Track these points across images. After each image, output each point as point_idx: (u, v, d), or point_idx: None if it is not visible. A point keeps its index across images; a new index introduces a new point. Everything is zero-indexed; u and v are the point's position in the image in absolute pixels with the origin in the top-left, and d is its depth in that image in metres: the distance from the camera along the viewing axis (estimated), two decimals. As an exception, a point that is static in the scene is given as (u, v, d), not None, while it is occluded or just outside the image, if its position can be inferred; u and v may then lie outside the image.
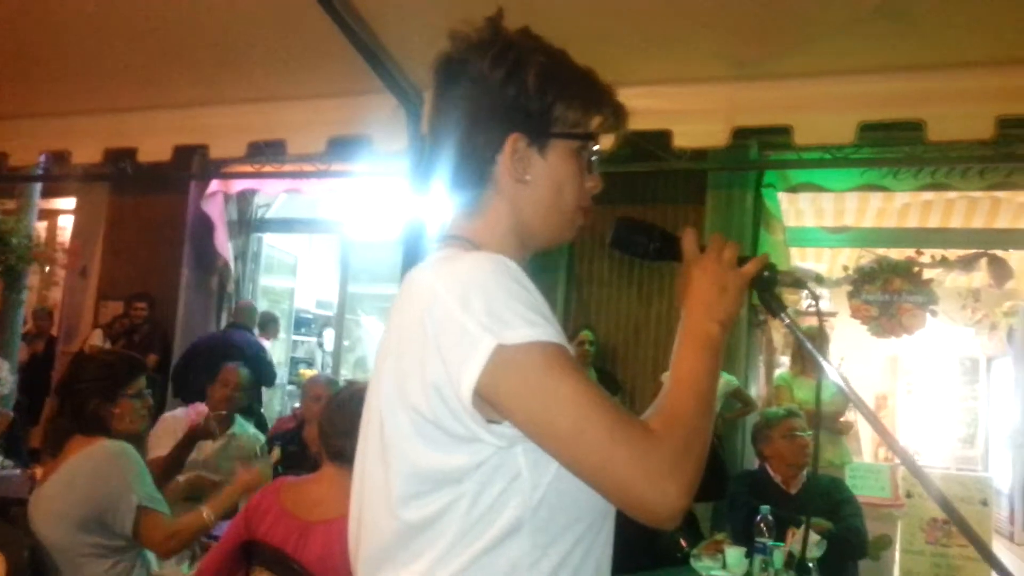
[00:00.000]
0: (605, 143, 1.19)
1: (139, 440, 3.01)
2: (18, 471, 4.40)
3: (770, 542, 2.97)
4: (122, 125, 3.97)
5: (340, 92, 3.64)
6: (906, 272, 5.87)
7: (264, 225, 7.86)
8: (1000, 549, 7.32)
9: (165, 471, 3.55)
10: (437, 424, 1.00)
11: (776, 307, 1.22)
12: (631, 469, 0.96)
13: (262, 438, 4.30)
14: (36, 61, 3.75)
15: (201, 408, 3.83)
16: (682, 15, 2.97)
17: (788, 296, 5.50)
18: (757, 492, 3.54)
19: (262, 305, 7.80)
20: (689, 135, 3.25)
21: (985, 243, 6.13)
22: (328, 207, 7.71)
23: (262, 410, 6.84)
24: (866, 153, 4.93)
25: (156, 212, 7.44)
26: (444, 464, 1.01)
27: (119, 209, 7.73)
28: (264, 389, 6.75)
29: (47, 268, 8.04)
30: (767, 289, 1.22)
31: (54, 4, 3.36)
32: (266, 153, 4.97)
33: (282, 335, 8.65)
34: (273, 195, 7.61)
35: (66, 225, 8.70)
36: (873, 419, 1.25)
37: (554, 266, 5.99)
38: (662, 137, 3.27)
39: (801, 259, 7.22)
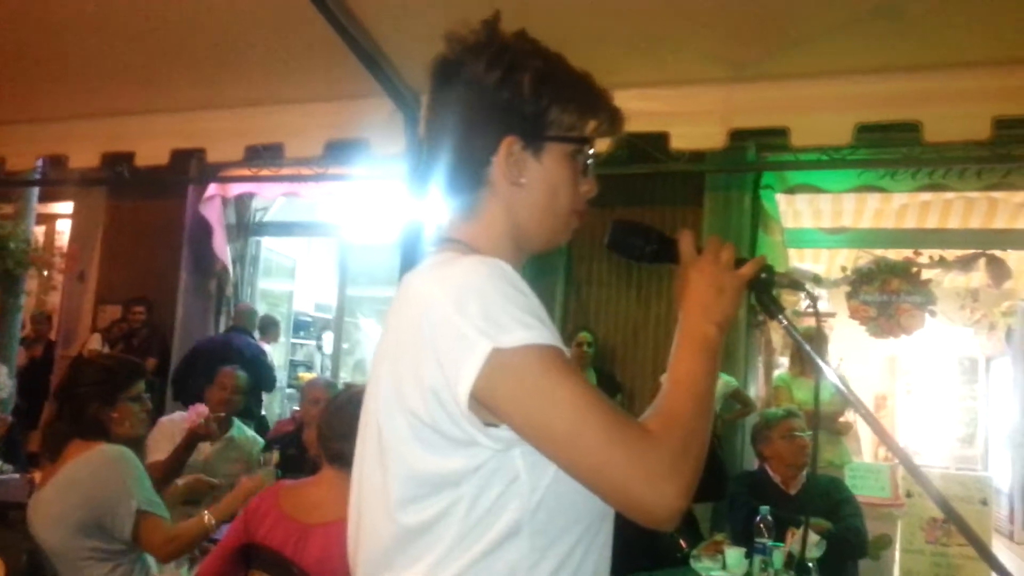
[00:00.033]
0: (601, 147, 1.19)
1: (138, 444, 3.01)
2: (17, 475, 4.39)
3: (770, 542, 2.97)
4: (119, 129, 3.97)
5: (337, 96, 3.64)
6: (904, 273, 5.87)
7: (262, 229, 7.86)
8: (1000, 548, 7.33)
9: (166, 473, 3.55)
10: (435, 428, 1.00)
11: (774, 309, 1.23)
12: (629, 471, 0.96)
13: (260, 441, 4.30)
14: (33, 66, 3.75)
15: (201, 409, 3.82)
16: (678, 16, 2.98)
17: (787, 297, 5.51)
18: (757, 493, 3.54)
19: (261, 309, 7.80)
20: (686, 137, 3.26)
21: (983, 243, 6.13)
22: (326, 210, 7.71)
23: (263, 413, 6.83)
24: (863, 154, 4.94)
25: (154, 216, 7.44)
26: (442, 468, 1.01)
27: (117, 213, 7.73)
28: (264, 385, 6.73)
29: (45, 272, 8.03)
30: (764, 291, 1.22)
31: (49, 8, 3.36)
32: (264, 157, 4.97)
33: (281, 338, 8.65)
34: (271, 199, 7.61)
35: (64, 229, 8.70)
36: (871, 420, 1.25)
37: (553, 268, 5.99)
38: (659, 139, 3.27)
39: (799, 260, 7.22)
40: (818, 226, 6.60)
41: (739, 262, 1.19)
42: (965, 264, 6.12)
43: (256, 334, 7.24)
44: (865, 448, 7.79)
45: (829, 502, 3.52)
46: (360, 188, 6.82)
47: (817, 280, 6.52)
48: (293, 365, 9.36)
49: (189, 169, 6.38)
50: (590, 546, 1.07)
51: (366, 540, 1.11)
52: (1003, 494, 8.03)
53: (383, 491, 1.06)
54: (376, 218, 6.90)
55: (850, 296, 6.01)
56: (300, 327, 9.63)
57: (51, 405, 6.39)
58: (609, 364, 5.96)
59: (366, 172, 5.53)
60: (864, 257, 6.13)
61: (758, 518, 3.02)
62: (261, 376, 6.50)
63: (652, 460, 0.96)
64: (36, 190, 7.25)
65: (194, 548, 2.73)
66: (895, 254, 6.09)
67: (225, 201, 7.36)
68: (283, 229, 8.03)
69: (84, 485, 2.45)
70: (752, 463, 4.38)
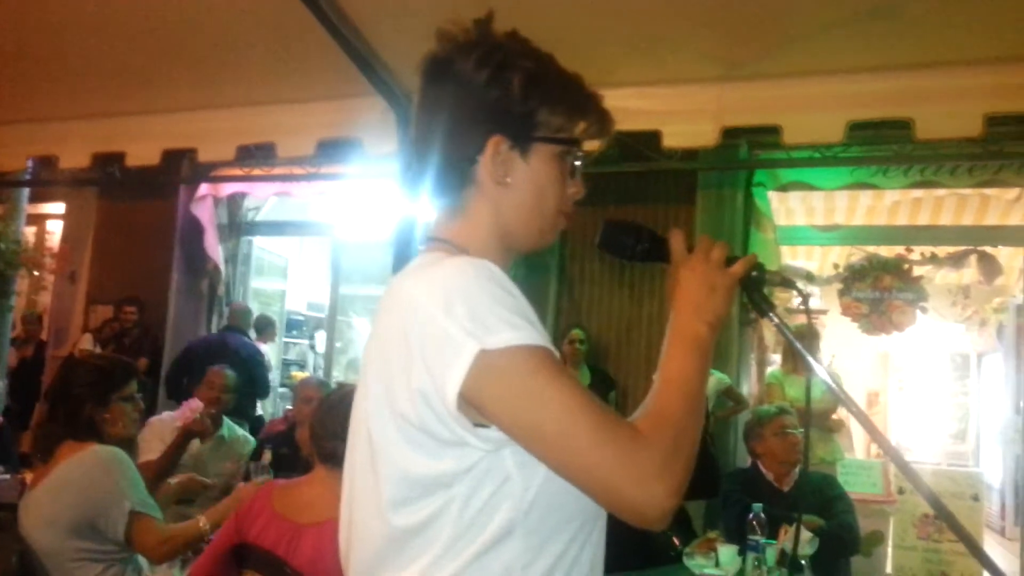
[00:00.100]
0: (591, 147, 1.19)
1: (130, 444, 3.00)
2: (8, 476, 4.37)
3: (763, 540, 2.97)
4: (110, 129, 3.96)
5: (329, 95, 3.63)
6: (896, 269, 5.89)
7: (254, 228, 7.85)
8: (991, 544, 7.36)
9: (159, 472, 3.55)
10: (424, 429, 1.00)
11: (764, 307, 1.23)
12: (618, 471, 0.96)
13: (251, 440, 4.29)
14: (21, 67, 3.73)
15: (195, 404, 3.81)
16: (670, 15, 2.98)
17: (779, 294, 5.52)
18: (749, 490, 3.55)
19: (253, 308, 7.77)
20: (678, 135, 3.26)
21: (974, 240, 6.15)
22: (318, 210, 7.70)
23: (259, 413, 6.79)
24: (855, 152, 4.95)
25: (145, 216, 7.41)
26: (432, 469, 1.01)
27: (108, 213, 7.71)
28: (256, 391, 6.69)
29: (36, 273, 7.99)
30: (755, 289, 1.22)
31: (39, 11, 3.35)
32: (256, 156, 4.95)
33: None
34: (263, 198, 7.59)
35: (55, 230, 8.67)
36: (862, 417, 1.26)
37: (546, 266, 5.99)
38: (652, 137, 3.28)
39: (792, 257, 7.24)
40: (810, 223, 6.62)
41: (730, 260, 1.19)
42: (957, 261, 6.14)
43: (252, 334, 7.23)
44: (857, 445, 7.81)
45: (822, 499, 3.53)
46: (352, 187, 6.81)
47: (809, 277, 6.54)
48: (286, 364, 9.35)
49: (180, 169, 6.36)
50: (584, 544, 1.07)
51: (358, 542, 1.11)
52: (994, 490, 8.07)
53: (375, 493, 1.06)
54: (368, 217, 6.89)
55: (842, 293, 6.02)
56: (293, 326, 9.62)
57: (42, 406, 6.36)
58: (603, 362, 5.96)
59: (358, 171, 5.53)
60: (856, 254, 6.15)
61: (751, 515, 3.02)
62: (256, 377, 6.49)
63: (642, 460, 0.96)
64: (26, 190, 7.22)
65: (187, 550, 2.73)
66: (887, 251, 6.10)
67: (217, 201, 7.33)
68: (275, 228, 8.01)
69: (77, 486, 2.44)
70: (745, 460, 4.39)
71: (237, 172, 6.25)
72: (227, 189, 7.24)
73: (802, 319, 5.70)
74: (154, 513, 2.52)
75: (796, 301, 5.83)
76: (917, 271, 5.95)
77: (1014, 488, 7.75)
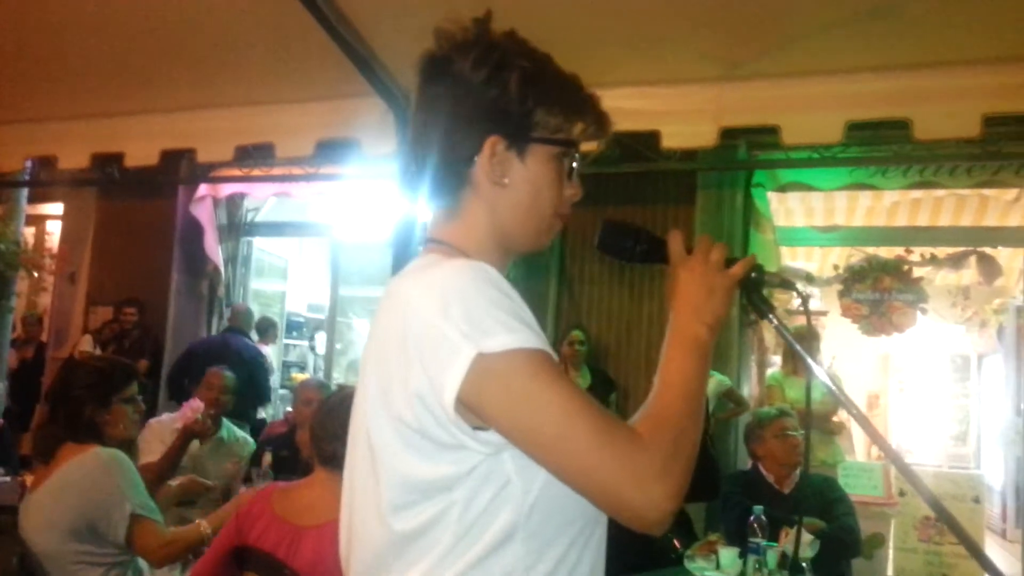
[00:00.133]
0: (588, 148, 1.19)
1: (130, 446, 3.00)
2: (8, 478, 4.37)
3: (763, 542, 2.97)
4: (108, 130, 3.95)
5: (328, 95, 3.63)
6: (896, 270, 5.89)
7: (254, 229, 7.84)
8: (992, 546, 7.35)
9: (160, 473, 3.54)
10: (423, 433, 1.00)
11: (764, 308, 1.22)
12: (618, 474, 0.96)
13: (251, 442, 4.28)
14: (19, 67, 3.73)
15: (196, 404, 3.80)
16: (670, 16, 2.98)
17: (779, 295, 5.52)
18: (750, 492, 3.54)
19: (253, 309, 7.77)
20: (677, 136, 3.26)
21: (974, 241, 6.16)
22: (318, 210, 7.70)
23: (262, 416, 6.77)
24: (854, 152, 4.95)
25: (145, 217, 7.41)
26: (432, 473, 1.00)
27: (107, 214, 7.70)
28: (258, 393, 6.67)
29: (35, 274, 8.00)
30: (755, 290, 1.22)
31: (39, 11, 3.34)
32: (254, 157, 4.95)
33: (273, 339, 8.63)
34: (262, 199, 7.59)
35: (54, 230, 8.67)
36: (862, 419, 1.25)
37: (545, 267, 5.99)
38: (651, 138, 3.28)
39: (791, 258, 7.24)
40: (810, 224, 6.62)
41: (729, 262, 1.18)
42: (956, 262, 6.14)
43: (254, 336, 7.23)
44: (858, 447, 7.81)
45: (822, 501, 3.53)
46: (352, 188, 6.81)
47: (809, 278, 6.54)
48: (286, 366, 9.34)
49: (179, 169, 6.35)
50: (585, 547, 1.06)
51: (358, 545, 1.11)
52: (995, 492, 8.06)
53: (375, 497, 1.06)
54: (368, 217, 6.89)
55: (842, 294, 6.03)
56: (293, 328, 9.61)
57: (43, 407, 6.36)
58: (603, 363, 5.96)
59: (357, 172, 5.52)
60: (856, 255, 6.15)
61: (752, 518, 3.02)
62: (258, 379, 6.48)
63: (641, 463, 0.96)
64: (25, 191, 7.22)
65: (188, 554, 2.72)
66: (887, 252, 6.10)
67: (216, 201, 7.33)
68: (275, 229, 8.01)
69: (78, 488, 2.44)
70: (745, 462, 4.39)
71: (236, 172, 6.25)
72: (226, 189, 7.24)
73: (802, 320, 5.73)
74: (155, 516, 2.52)
75: (796, 302, 5.84)
76: (917, 272, 5.95)
77: (1015, 490, 7.75)
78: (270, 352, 8.06)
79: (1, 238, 6.74)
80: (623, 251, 1.23)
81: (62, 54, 3.62)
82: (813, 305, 7.70)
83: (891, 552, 5.48)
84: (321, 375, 8.40)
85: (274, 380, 8.00)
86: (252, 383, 6.23)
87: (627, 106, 3.12)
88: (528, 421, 0.97)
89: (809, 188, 5.87)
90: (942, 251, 6.13)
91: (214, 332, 7.38)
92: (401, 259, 3.14)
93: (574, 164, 1.16)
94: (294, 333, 9.70)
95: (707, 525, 4.58)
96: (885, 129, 3.51)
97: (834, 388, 1.29)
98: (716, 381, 5.26)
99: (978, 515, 5.66)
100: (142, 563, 2.60)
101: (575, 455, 0.96)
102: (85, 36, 3.44)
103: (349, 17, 3.15)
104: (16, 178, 5.90)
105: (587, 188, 1.20)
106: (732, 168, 5.67)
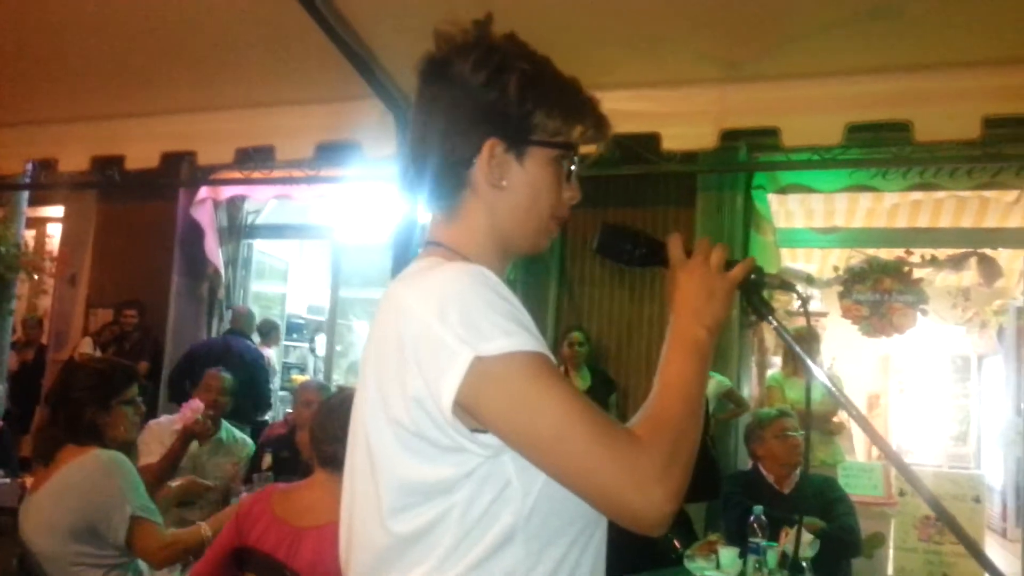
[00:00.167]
0: (587, 151, 1.19)
1: (130, 448, 3.00)
2: (8, 480, 4.38)
3: (764, 542, 2.97)
4: (109, 132, 3.95)
5: (328, 98, 3.63)
6: (896, 272, 5.89)
7: (254, 231, 7.84)
8: (993, 546, 7.35)
9: (161, 474, 3.55)
10: (421, 436, 1.00)
11: (763, 310, 1.22)
12: (617, 476, 0.96)
13: (250, 443, 4.28)
14: (20, 68, 3.73)
15: (196, 404, 3.81)
16: (670, 17, 2.98)
17: (780, 297, 5.52)
18: (750, 492, 3.55)
19: (254, 311, 7.77)
20: (678, 137, 3.26)
21: (974, 242, 6.15)
22: (318, 212, 7.69)
23: (266, 418, 6.75)
24: (854, 154, 4.95)
25: (145, 219, 7.41)
26: (431, 476, 1.01)
27: (108, 217, 7.71)
28: (259, 396, 6.66)
29: (36, 276, 7.99)
30: (754, 292, 1.22)
31: (39, 11, 3.35)
32: (254, 159, 4.95)
33: (273, 341, 8.63)
34: (263, 201, 7.60)
35: (54, 233, 8.67)
36: (861, 420, 1.25)
37: (546, 268, 5.99)
38: (651, 140, 3.28)
39: (792, 260, 7.24)
40: (810, 226, 6.62)
41: (729, 264, 1.19)
42: (956, 263, 6.14)
43: (255, 338, 7.23)
44: (858, 447, 7.81)
45: (822, 501, 3.53)
46: (352, 190, 6.81)
47: (809, 280, 6.54)
48: (286, 368, 9.34)
49: (180, 172, 6.36)
50: (585, 548, 1.06)
51: (358, 547, 1.11)
52: (996, 492, 8.06)
53: (375, 499, 1.06)
54: (368, 220, 6.89)
55: (842, 295, 6.03)
56: (293, 329, 9.61)
57: (43, 409, 6.37)
58: (603, 363, 5.96)
59: (358, 174, 5.52)
60: (856, 256, 6.14)
61: (752, 518, 3.02)
62: (259, 382, 6.47)
63: (641, 465, 0.96)
64: (26, 194, 7.22)
65: (188, 556, 2.73)
66: (887, 253, 6.10)
67: (216, 204, 7.33)
68: (275, 231, 8.01)
69: (78, 490, 2.44)
70: (746, 463, 4.39)
71: (236, 175, 6.25)
72: (227, 192, 7.24)
73: (802, 322, 5.73)
74: (155, 518, 2.52)
75: (796, 304, 5.84)
76: (917, 273, 5.95)
77: (1015, 490, 7.75)
78: (272, 355, 8.05)
79: (1, 241, 6.74)
80: (622, 254, 1.23)
81: (62, 55, 3.62)
82: (813, 306, 7.71)
83: (891, 552, 5.48)
84: (321, 377, 8.40)
85: (274, 382, 8.00)
86: (253, 386, 6.22)
87: (627, 108, 3.12)
88: (526, 424, 0.97)
89: (809, 190, 5.87)
90: (942, 252, 6.13)
91: (214, 334, 7.38)
92: (401, 261, 3.11)
93: (573, 167, 1.16)
94: (294, 335, 9.70)
95: (707, 525, 4.58)
96: (885, 131, 3.51)
97: (833, 389, 1.29)
98: (716, 382, 5.26)
99: (978, 515, 5.65)
100: (142, 564, 2.60)
101: (574, 457, 0.96)
102: (85, 37, 3.44)
103: (349, 19, 3.16)
104: (16, 181, 5.90)
105: (587, 190, 1.20)
106: (732, 170, 5.67)
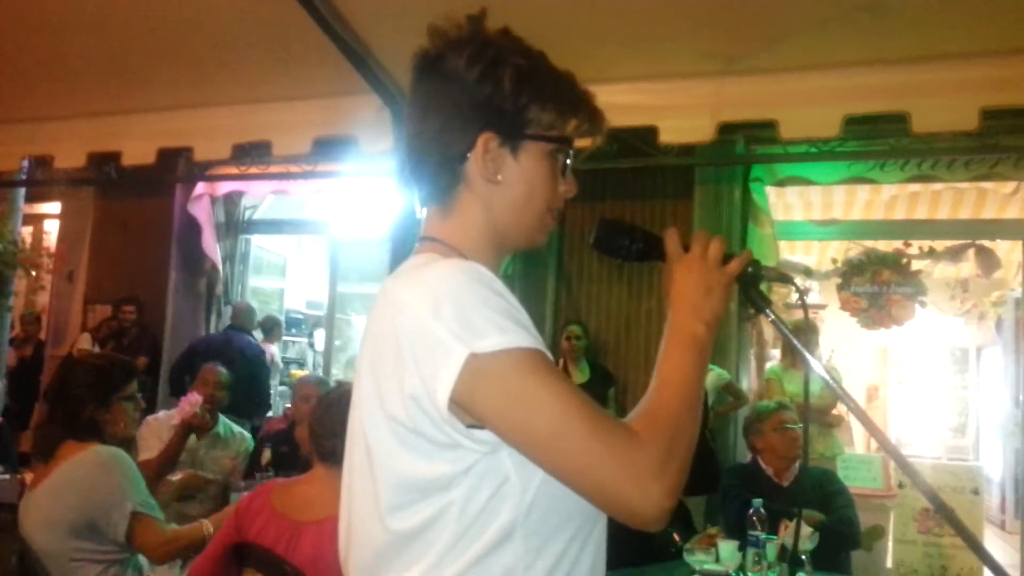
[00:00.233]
0: (583, 145, 1.19)
1: (129, 444, 3.00)
2: (7, 476, 4.38)
3: (763, 535, 2.97)
4: (105, 128, 3.94)
5: (325, 93, 3.62)
6: (894, 264, 5.90)
7: (252, 226, 7.84)
8: (992, 538, 7.37)
9: (160, 468, 3.56)
10: (418, 432, 1.00)
11: (761, 303, 1.22)
12: (615, 472, 0.96)
13: (248, 437, 4.29)
14: (15, 66, 3.72)
15: (194, 398, 3.82)
16: (666, 11, 2.97)
17: (778, 289, 5.52)
18: (749, 485, 3.55)
19: (254, 307, 7.77)
20: (675, 130, 3.25)
21: (972, 234, 6.15)
22: (316, 208, 7.70)
23: (269, 413, 6.74)
24: (852, 146, 4.95)
25: (142, 215, 7.41)
26: (429, 472, 1.01)
27: (105, 213, 7.70)
28: (259, 392, 6.64)
29: (33, 273, 8.00)
30: (752, 286, 1.22)
31: (37, 10, 3.34)
32: (251, 155, 4.94)
33: (272, 337, 8.62)
34: (260, 197, 7.59)
35: (52, 229, 8.66)
36: (860, 413, 1.26)
37: (544, 262, 5.99)
38: (648, 133, 3.27)
39: (790, 252, 7.23)
40: (808, 218, 6.62)
41: (726, 257, 1.18)
42: (955, 254, 6.15)
43: (258, 335, 7.23)
44: (857, 440, 7.83)
45: (822, 494, 3.53)
46: (349, 185, 6.81)
47: (808, 272, 6.54)
48: (285, 363, 9.35)
49: (176, 168, 6.35)
50: (585, 544, 1.06)
51: (357, 544, 1.11)
52: (994, 483, 8.09)
53: (373, 496, 1.06)
54: (366, 214, 6.89)
55: (841, 288, 6.04)
56: (291, 325, 9.61)
57: (42, 406, 6.37)
58: (602, 357, 5.96)
59: (355, 169, 5.52)
60: (854, 249, 6.15)
61: (751, 511, 3.02)
62: (259, 378, 6.47)
63: (638, 460, 0.96)
64: (22, 190, 7.21)
65: (189, 552, 2.73)
66: (885, 245, 6.11)
67: (214, 199, 7.33)
68: (273, 227, 8.00)
69: (78, 487, 2.44)
70: (745, 456, 4.39)
71: (233, 171, 6.24)
72: (224, 188, 7.24)
73: (800, 314, 5.73)
74: (155, 513, 2.52)
75: (795, 296, 5.84)
76: (915, 265, 5.96)
77: (1014, 482, 7.77)
78: (275, 351, 8.06)
79: (-1, 237, 6.74)
80: (619, 249, 1.22)
81: (59, 53, 3.61)
82: (812, 299, 7.72)
83: (890, 544, 5.50)
84: (320, 372, 8.41)
85: (277, 378, 8.00)
86: (253, 382, 6.22)
87: (624, 101, 3.12)
88: (522, 421, 0.97)
89: (807, 182, 5.87)
90: (940, 244, 6.14)
91: (212, 330, 7.38)
92: (399, 255, 3.15)
93: (568, 161, 1.16)
94: (293, 330, 9.70)
95: (707, 518, 4.59)
96: (883, 123, 3.51)
97: (832, 382, 1.29)
98: (715, 375, 5.26)
99: (977, 507, 5.67)
100: (142, 560, 2.60)
101: (571, 454, 0.96)
102: (83, 35, 3.43)
103: (345, 15, 3.15)
104: (13, 177, 5.89)
105: (585, 184, 1.20)
106: (730, 163, 5.67)
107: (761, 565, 2.93)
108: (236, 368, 5.06)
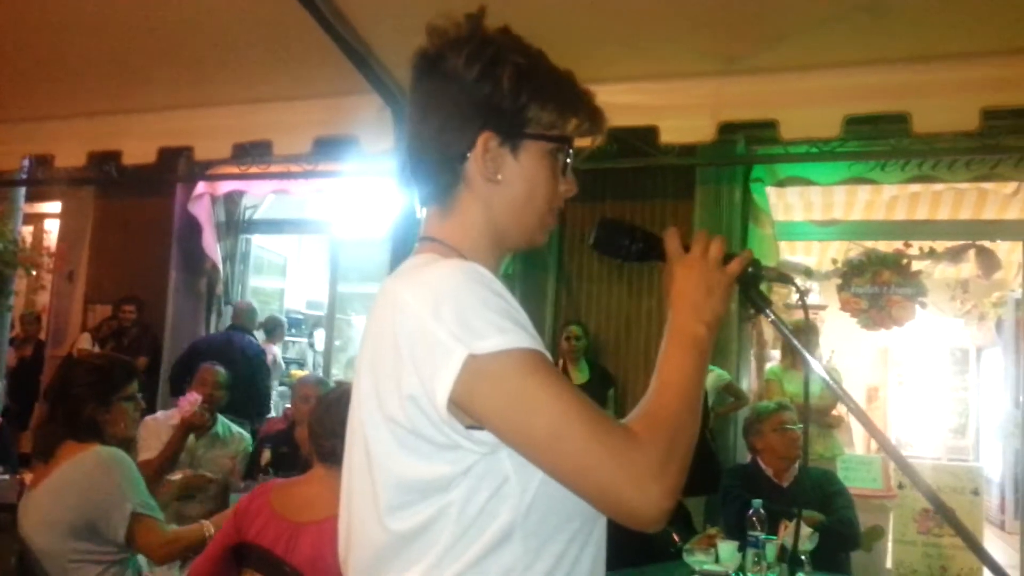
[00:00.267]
0: (583, 144, 1.18)
1: (129, 444, 3.00)
2: (7, 476, 4.37)
3: (763, 535, 2.97)
4: (105, 128, 3.94)
5: (325, 92, 3.62)
6: (895, 264, 5.90)
7: (252, 226, 7.83)
8: (991, 538, 7.37)
9: (160, 468, 3.56)
10: (417, 433, 0.99)
11: (761, 304, 1.22)
12: (614, 473, 0.95)
13: (247, 436, 4.29)
14: (16, 65, 3.72)
15: (193, 397, 3.81)
16: (666, 11, 2.97)
17: (778, 290, 5.52)
18: (749, 486, 3.55)
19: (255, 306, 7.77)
20: (676, 130, 3.25)
21: (973, 234, 6.15)
22: (316, 207, 7.69)
23: (271, 414, 6.74)
24: (853, 146, 4.95)
25: (143, 215, 7.41)
26: (428, 473, 1.00)
27: (105, 212, 7.70)
28: (259, 392, 6.63)
29: (34, 272, 7.99)
30: (752, 286, 1.22)
31: (37, 10, 3.34)
32: (252, 154, 4.94)
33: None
34: (261, 196, 7.59)
35: (52, 229, 8.66)
36: (860, 414, 1.25)
37: (544, 262, 5.99)
38: (649, 133, 3.27)
39: (790, 252, 7.23)
40: (809, 219, 6.61)
41: (726, 257, 1.18)
42: (955, 255, 6.15)
43: (261, 335, 7.22)
44: (857, 440, 7.83)
45: (821, 494, 3.53)
46: (350, 184, 6.80)
47: (808, 272, 6.54)
48: (285, 363, 9.35)
49: (177, 167, 6.35)
50: (585, 544, 1.06)
51: (357, 545, 1.11)
52: (994, 484, 8.08)
53: (372, 497, 1.05)
54: (366, 214, 6.88)
55: (841, 288, 6.03)
56: (292, 324, 9.60)
57: (42, 406, 6.36)
58: (602, 358, 5.96)
59: (355, 168, 5.52)
60: (855, 249, 6.14)
61: (751, 511, 3.02)
62: (259, 377, 6.47)
63: (637, 461, 0.96)
64: (23, 189, 7.20)
65: (190, 553, 2.73)
66: (885, 246, 6.10)
67: (214, 199, 7.32)
68: (273, 226, 8.00)
69: (78, 487, 2.44)
70: (745, 456, 4.39)
71: (234, 170, 6.24)
72: (224, 187, 7.24)
73: (801, 315, 5.73)
74: (156, 514, 2.52)
75: (795, 297, 5.84)
76: (916, 266, 5.96)
77: (1014, 482, 7.77)
78: (277, 352, 8.05)
79: (-1, 236, 6.73)
80: (619, 250, 1.22)
81: (59, 53, 3.61)
82: (812, 299, 7.72)
83: (890, 544, 5.50)
84: (320, 372, 8.40)
85: (278, 378, 7.99)
86: (253, 382, 6.22)
87: (625, 101, 3.12)
88: (521, 422, 0.96)
89: (808, 183, 5.87)
90: (941, 245, 6.14)
91: (213, 330, 7.38)
92: (400, 255, 3.14)
93: (568, 160, 1.16)
94: (293, 330, 9.70)
95: (706, 519, 4.59)
96: (884, 123, 3.51)
97: (831, 383, 1.29)
98: (715, 375, 5.26)
99: (977, 507, 5.67)
100: (142, 560, 2.60)
101: (570, 455, 0.96)
102: (83, 35, 3.43)
103: (346, 14, 3.15)
104: (13, 177, 5.88)
105: (585, 183, 1.20)
106: (731, 163, 5.67)
107: (761, 566, 2.93)
108: (237, 368, 5.06)
